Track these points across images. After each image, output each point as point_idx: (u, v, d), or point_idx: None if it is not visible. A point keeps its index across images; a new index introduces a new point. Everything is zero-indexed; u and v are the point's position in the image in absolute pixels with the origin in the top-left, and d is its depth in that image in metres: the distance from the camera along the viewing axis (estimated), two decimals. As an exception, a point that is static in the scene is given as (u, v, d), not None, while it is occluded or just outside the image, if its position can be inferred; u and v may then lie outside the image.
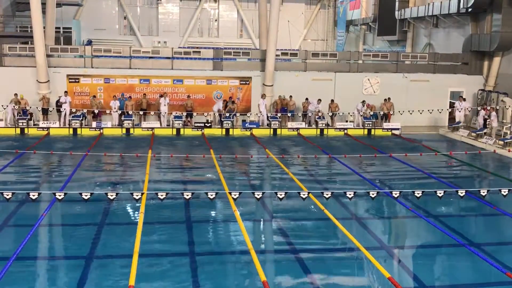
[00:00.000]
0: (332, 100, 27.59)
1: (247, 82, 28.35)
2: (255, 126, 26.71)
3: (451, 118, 28.56)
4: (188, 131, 26.15)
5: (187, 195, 11.45)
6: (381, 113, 27.77)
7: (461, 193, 12.24)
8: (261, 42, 30.42)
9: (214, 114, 27.03)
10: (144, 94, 27.13)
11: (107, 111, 26.71)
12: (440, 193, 11.79)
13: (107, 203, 14.29)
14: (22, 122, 25.22)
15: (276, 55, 28.19)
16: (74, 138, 24.84)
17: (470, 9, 28.19)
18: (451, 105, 28.48)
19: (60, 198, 10.97)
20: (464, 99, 27.60)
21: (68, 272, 10.91)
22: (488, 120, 25.17)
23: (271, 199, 15.36)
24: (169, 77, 27.86)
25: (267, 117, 26.98)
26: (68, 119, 25.81)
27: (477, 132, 25.09)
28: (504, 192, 11.91)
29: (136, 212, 14.00)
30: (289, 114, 27.34)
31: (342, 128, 26.96)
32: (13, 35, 33.57)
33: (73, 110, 26.16)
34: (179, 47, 37.58)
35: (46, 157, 20.47)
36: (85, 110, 26.39)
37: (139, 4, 46.91)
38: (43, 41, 26.38)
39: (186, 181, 18.09)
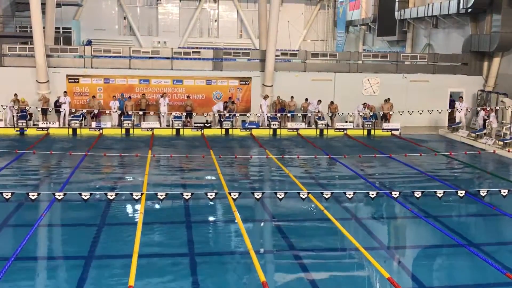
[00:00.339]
0: (332, 102, 27.59)
1: (247, 83, 28.35)
2: (254, 126, 26.70)
3: (451, 118, 28.58)
4: (187, 132, 26.15)
5: (187, 196, 11.45)
6: (381, 113, 27.77)
7: (461, 193, 12.23)
8: (261, 43, 30.42)
9: (214, 114, 27.02)
10: (143, 94, 27.12)
11: (107, 112, 26.71)
12: (440, 194, 11.79)
13: (106, 203, 14.28)
14: (22, 122, 25.22)
15: (276, 56, 28.19)
16: (74, 138, 24.83)
17: (469, 10, 28.18)
18: (452, 105, 28.43)
19: (59, 198, 10.96)
20: (461, 99, 27.71)
21: (67, 272, 10.90)
22: (487, 121, 25.17)
23: (271, 200, 15.36)
24: (169, 78, 27.86)
25: (267, 117, 26.97)
26: (67, 119, 25.80)
27: (477, 133, 25.09)
28: (504, 192, 11.90)
29: (136, 213, 13.99)
30: (289, 115, 27.35)
31: (341, 129, 26.96)
32: (12, 35, 33.58)
33: (73, 110, 26.16)
34: (178, 47, 37.58)
35: (46, 157, 20.46)
36: (84, 110, 26.40)
37: (138, 4, 46.90)
38: (43, 41, 26.38)
39: (186, 181, 18.08)
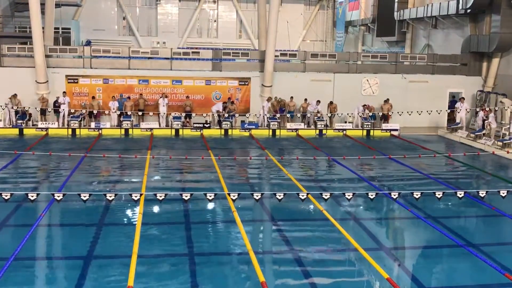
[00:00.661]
0: (331, 102, 27.61)
1: (246, 83, 28.35)
2: (254, 127, 26.70)
3: (450, 119, 28.59)
4: (187, 132, 26.15)
5: (186, 196, 11.44)
6: (380, 114, 27.78)
7: (460, 194, 12.23)
8: (260, 43, 30.41)
9: (213, 115, 27.02)
10: (141, 94, 27.11)
11: (106, 112, 26.70)
12: (439, 194, 11.79)
13: (105, 204, 14.28)
14: (21, 123, 25.21)
15: (275, 56, 28.19)
16: (73, 139, 24.82)
17: (469, 10, 28.20)
18: (453, 106, 28.41)
19: (58, 199, 10.96)
20: (462, 99, 27.72)
21: (66, 272, 10.91)
22: (486, 121, 25.18)
23: (270, 200, 15.35)
24: (168, 78, 27.86)
25: (266, 118, 26.96)
26: (66, 119, 25.80)
27: (476, 133, 25.10)
28: (503, 193, 11.91)
29: (135, 213, 13.99)
30: (288, 115, 27.35)
31: (341, 129, 26.97)
32: (12, 35, 33.58)
33: (72, 110, 26.16)
34: (178, 48, 37.57)
35: (45, 158, 20.45)
36: (84, 111, 26.39)
37: (138, 5, 46.88)
38: (42, 41, 26.36)
39: (185, 182, 18.08)
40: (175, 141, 24.90)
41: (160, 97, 26.79)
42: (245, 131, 26.48)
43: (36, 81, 26.46)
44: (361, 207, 15.59)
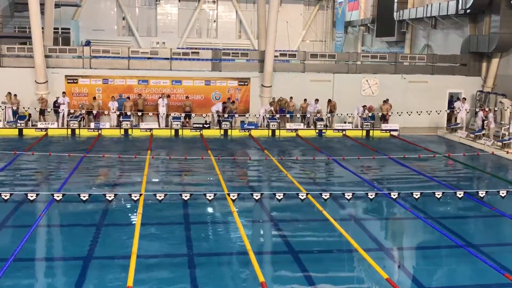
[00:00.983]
0: (330, 100, 27.63)
1: (246, 83, 28.34)
2: (253, 127, 26.69)
3: (449, 119, 28.60)
4: (186, 132, 26.15)
5: (185, 196, 11.44)
6: (380, 114, 27.79)
7: (460, 194, 12.23)
8: (260, 43, 30.41)
9: (213, 115, 27.01)
10: (140, 94, 27.10)
11: (106, 112, 26.69)
12: (438, 195, 11.79)
13: (105, 204, 14.27)
14: (21, 123, 25.21)
15: (275, 56, 28.19)
16: (73, 139, 24.81)
17: (468, 10, 28.20)
18: (450, 105, 28.46)
19: (58, 199, 10.95)
20: (458, 99, 27.77)
21: (66, 273, 10.91)
22: (485, 121, 25.19)
23: (270, 200, 15.35)
24: (168, 78, 27.85)
25: (266, 118, 26.96)
26: (66, 119, 25.79)
27: (476, 134, 25.10)
28: (503, 193, 11.91)
29: (134, 213, 13.98)
30: (288, 115, 27.35)
31: (340, 129, 26.98)
32: (11, 35, 33.57)
33: (71, 111, 26.15)
34: (177, 48, 37.57)
35: (44, 158, 20.44)
36: (82, 111, 26.37)
37: (137, 5, 46.86)
38: (42, 41, 26.35)
39: (185, 182, 18.07)
40: (174, 141, 24.89)
41: (160, 97, 26.78)
42: (244, 131, 26.47)
43: (35, 81, 26.46)
44: (361, 207, 15.58)
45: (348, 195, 11.76)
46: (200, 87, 28.09)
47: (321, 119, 27.02)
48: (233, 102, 27.50)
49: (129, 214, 14.45)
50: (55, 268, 11.39)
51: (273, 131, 26.49)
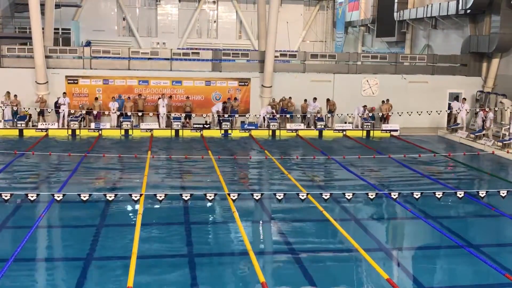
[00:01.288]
0: (328, 99, 27.63)
1: (246, 84, 28.35)
2: (254, 127, 26.70)
3: (449, 119, 28.61)
4: (187, 133, 26.15)
5: (186, 196, 11.44)
6: (380, 114, 27.79)
7: (460, 194, 12.23)
8: (260, 43, 30.41)
9: (213, 115, 27.02)
10: (140, 94, 27.10)
11: (106, 113, 26.70)
12: (439, 195, 11.79)
13: (105, 204, 14.27)
14: (21, 124, 25.23)
15: (275, 56, 28.19)
16: (73, 140, 24.82)
17: (468, 11, 28.19)
18: (449, 106, 28.47)
19: (58, 199, 10.95)
20: (456, 99, 27.76)
21: (66, 273, 10.91)
22: (485, 121, 25.18)
23: (270, 201, 15.35)
24: (168, 78, 27.86)
25: (267, 118, 26.96)
26: (66, 120, 25.80)
27: (476, 134, 25.10)
28: (503, 193, 11.91)
29: (135, 213, 13.97)
30: (288, 116, 27.34)
31: (341, 130, 26.98)
32: (11, 36, 33.55)
33: (72, 111, 26.16)
34: (178, 48, 37.59)
35: (45, 159, 20.44)
36: (83, 111, 26.38)
37: (138, 5, 46.87)
38: (42, 42, 26.36)
39: (185, 182, 18.07)
40: (175, 141, 24.89)
41: (160, 98, 26.79)
42: (245, 131, 26.48)
43: (36, 82, 26.46)
44: (361, 207, 15.58)
45: (348, 195, 11.75)
46: (201, 87, 28.10)
47: (321, 119, 27.02)
48: (236, 99, 27.50)
49: (130, 215, 14.45)
50: (56, 268, 11.39)
51: (274, 132, 26.49)
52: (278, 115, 26.87)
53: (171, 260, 11.49)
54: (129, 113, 26.31)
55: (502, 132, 24.33)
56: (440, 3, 30.87)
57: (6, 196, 10.57)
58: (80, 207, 13.93)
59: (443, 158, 21.93)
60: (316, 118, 27.12)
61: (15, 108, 25.61)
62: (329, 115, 27.43)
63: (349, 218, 14.67)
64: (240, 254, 11.66)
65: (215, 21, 47.97)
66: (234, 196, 11.41)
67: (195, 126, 26.44)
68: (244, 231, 12.54)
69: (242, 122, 27.26)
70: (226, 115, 26.60)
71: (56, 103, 26.07)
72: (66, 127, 25.68)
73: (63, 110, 25.86)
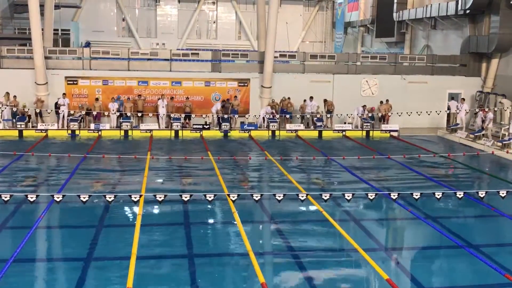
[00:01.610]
0: (325, 100, 27.64)
1: (246, 84, 28.35)
2: (253, 128, 26.70)
3: (449, 120, 28.62)
4: (186, 133, 26.15)
5: (186, 197, 11.44)
6: (379, 114, 27.79)
7: (460, 195, 12.23)
8: (260, 44, 30.41)
9: (213, 116, 27.02)
10: (139, 95, 27.10)
11: (106, 113, 26.69)
12: (438, 195, 11.79)
13: (105, 205, 14.27)
14: (20, 124, 25.23)
15: (275, 57, 28.19)
16: (73, 140, 24.81)
17: (468, 11, 28.19)
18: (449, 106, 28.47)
19: (58, 200, 10.95)
20: (453, 99, 27.78)
21: (66, 274, 10.91)
22: (484, 122, 25.18)
23: (270, 201, 15.34)
24: (168, 79, 27.86)
25: (266, 119, 26.96)
26: (66, 120, 25.80)
27: (476, 134, 25.10)
28: (503, 193, 11.91)
29: (135, 214, 13.97)
30: (288, 116, 27.34)
31: (340, 130, 26.98)
32: (11, 37, 33.57)
33: (71, 112, 26.15)
34: (177, 49, 37.56)
35: (44, 159, 20.43)
36: (83, 112, 26.38)
37: (137, 6, 46.86)
38: (41, 43, 26.35)
39: (185, 183, 18.06)
40: (174, 142, 24.88)
41: (159, 99, 26.79)
42: (244, 132, 26.48)
43: (35, 82, 26.45)
44: (361, 208, 15.58)
45: (348, 196, 11.75)
46: (200, 88, 28.09)
47: (321, 120, 27.03)
48: (236, 97, 27.51)
49: (129, 215, 14.45)
50: (55, 269, 11.39)
51: (273, 132, 26.50)
52: (278, 116, 26.87)
53: (171, 261, 11.48)
54: (128, 114, 26.31)
55: (501, 132, 24.34)
56: (439, 4, 30.87)
57: (5, 197, 10.56)
58: (79, 208, 13.95)
59: (443, 159, 21.91)
60: (315, 118, 27.12)
61: (14, 109, 25.60)
62: (328, 115, 27.43)
63: (348, 219, 14.66)
64: (240, 255, 11.65)
65: (214, 22, 47.96)
66: (234, 197, 11.41)
67: (194, 126, 26.44)
68: (244, 232, 12.52)
69: (242, 123, 27.26)
70: (225, 116, 26.59)
71: (56, 103, 26.07)
72: (66, 128, 25.68)
73: (63, 111, 25.86)
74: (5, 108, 25.43)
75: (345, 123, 27.70)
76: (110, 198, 11.26)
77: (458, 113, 27.15)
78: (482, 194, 12.88)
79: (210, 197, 11.38)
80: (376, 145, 24.55)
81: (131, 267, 10.25)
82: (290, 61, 30.75)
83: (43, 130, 25.39)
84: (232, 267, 11.30)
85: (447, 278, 11.16)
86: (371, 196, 12.06)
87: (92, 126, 25.97)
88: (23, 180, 18.05)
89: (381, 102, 27.91)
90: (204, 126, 26.43)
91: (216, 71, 28.51)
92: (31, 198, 10.72)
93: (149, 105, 27.25)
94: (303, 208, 14.75)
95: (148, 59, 28.55)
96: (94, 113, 26.51)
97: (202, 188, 17.21)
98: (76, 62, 27.99)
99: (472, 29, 29.39)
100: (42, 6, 28.02)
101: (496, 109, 26.06)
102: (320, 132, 26.77)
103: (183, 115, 26.59)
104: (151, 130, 26.01)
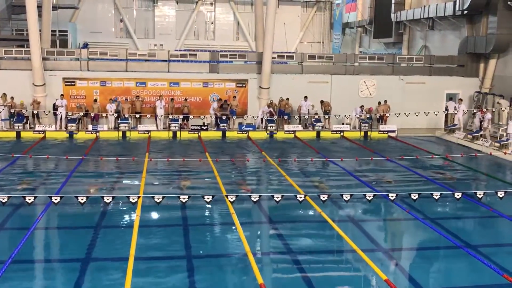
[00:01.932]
0: (322, 101, 27.64)
1: (244, 85, 28.35)
2: (251, 128, 26.69)
3: (446, 120, 28.65)
4: (184, 134, 26.12)
5: (184, 199, 11.42)
6: (377, 115, 27.80)
7: (458, 195, 12.24)
8: (258, 45, 30.42)
9: (211, 117, 27.00)
10: (137, 96, 27.07)
11: (104, 114, 26.66)
12: (436, 196, 11.79)
13: (103, 206, 14.25)
14: (18, 126, 25.18)
15: (273, 58, 28.20)
16: (70, 142, 24.77)
17: (465, 12, 28.22)
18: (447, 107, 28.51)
19: (56, 201, 10.93)
20: (451, 99, 27.81)
21: (64, 275, 10.89)
22: (482, 122, 25.22)
23: (268, 202, 15.33)
24: (166, 80, 27.84)
25: (264, 120, 26.95)
26: (64, 121, 25.76)
27: (473, 134, 25.12)
28: (500, 194, 11.93)
29: (133, 216, 13.95)
30: (286, 117, 27.34)
31: (338, 131, 26.99)
32: (9, 38, 33.57)
33: (69, 113, 26.12)
34: (175, 50, 37.53)
35: (42, 161, 20.39)
36: (80, 113, 26.33)
37: (135, 7, 46.80)
38: (39, 44, 26.32)
39: (183, 184, 18.04)
40: (172, 143, 24.86)
41: (157, 100, 26.77)
42: (242, 133, 26.47)
43: (33, 84, 26.40)
44: (359, 208, 15.58)
45: (346, 196, 11.75)
46: (198, 89, 28.08)
47: (319, 121, 27.03)
48: (234, 97, 27.49)
49: (127, 217, 14.42)
50: (53, 270, 11.36)
51: (271, 133, 26.49)
52: (276, 116, 26.86)
53: (169, 262, 11.47)
54: (126, 115, 26.28)
55: (499, 132, 24.36)
56: (437, 4, 30.92)
57: (3, 199, 10.54)
58: (77, 210, 13.96)
59: (441, 159, 21.92)
60: (313, 119, 27.12)
61: (12, 110, 25.55)
62: (325, 116, 27.42)
63: (347, 219, 14.66)
64: (238, 256, 11.64)
65: (212, 23, 47.94)
66: (232, 198, 11.40)
67: (192, 127, 26.42)
68: (242, 233, 12.51)
69: (240, 124, 27.25)
70: (224, 117, 26.58)
71: (54, 105, 26.03)
72: (64, 129, 25.64)
73: (61, 112, 25.82)
74: (3, 109, 25.39)
75: (343, 123, 27.71)
76: (108, 199, 11.25)
77: (456, 113, 27.18)
78: (480, 194, 12.90)
79: (208, 198, 11.37)
80: (374, 146, 24.55)
81: (129, 269, 10.23)
82: (288, 62, 30.76)
83: (40, 131, 25.34)
84: (230, 268, 11.28)
85: (446, 279, 11.17)
86: (369, 197, 12.05)
87: (90, 127, 25.93)
88: (21, 181, 18.01)
89: (379, 102, 27.94)
90: (202, 127, 26.41)
91: (214, 72, 28.50)
92: (29, 199, 10.69)
93: (147, 106, 27.24)
94: (302, 209, 14.73)
95: (146, 60, 28.53)
96: (92, 114, 26.47)
97: (200, 189, 17.18)
98: (74, 63, 27.95)
99: (470, 30, 29.43)
100: (39, 7, 27.97)
101: (494, 109, 26.09)
102: (318, 133, 26.78)
103: (181, 116, 26.58)
104: (149, 131, 25.98)
